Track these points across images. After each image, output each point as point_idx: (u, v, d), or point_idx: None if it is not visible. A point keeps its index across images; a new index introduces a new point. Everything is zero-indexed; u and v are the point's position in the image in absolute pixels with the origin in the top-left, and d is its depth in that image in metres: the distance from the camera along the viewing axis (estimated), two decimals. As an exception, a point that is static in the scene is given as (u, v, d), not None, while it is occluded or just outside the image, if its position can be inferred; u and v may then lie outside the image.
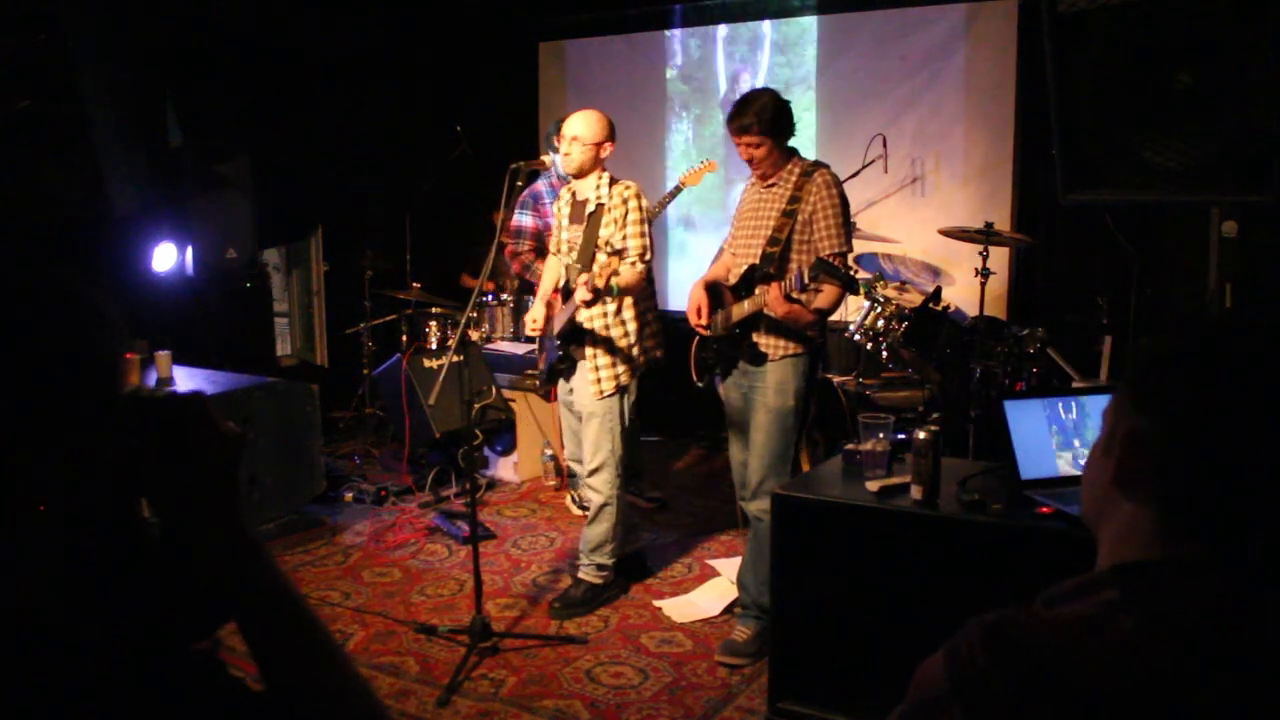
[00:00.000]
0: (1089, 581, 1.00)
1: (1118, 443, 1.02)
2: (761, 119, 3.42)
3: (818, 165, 3.55)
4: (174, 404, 0.87)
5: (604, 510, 3.87)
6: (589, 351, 3.77)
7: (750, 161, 3.52)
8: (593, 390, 3.77)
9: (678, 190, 4.95)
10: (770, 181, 3.54)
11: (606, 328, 3.76)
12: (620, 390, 3.79)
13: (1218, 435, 0.96)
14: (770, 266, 3.43)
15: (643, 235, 3.73)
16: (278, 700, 0.87)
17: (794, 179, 3.50)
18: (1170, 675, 0.91)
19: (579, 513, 4.86)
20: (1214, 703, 0.91)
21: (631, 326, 3.80)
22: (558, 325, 3.86)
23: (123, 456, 0.84)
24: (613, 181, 3.79)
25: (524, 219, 4.84)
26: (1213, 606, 0.95)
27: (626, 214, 3.72)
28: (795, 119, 3.54)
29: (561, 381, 3.96)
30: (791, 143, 3.57)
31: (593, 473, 3.86)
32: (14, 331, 0.78)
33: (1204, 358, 1.00)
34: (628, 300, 3.78)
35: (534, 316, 3.98)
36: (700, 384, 3.74)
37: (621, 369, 3.78)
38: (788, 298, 3.30)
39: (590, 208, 3.79)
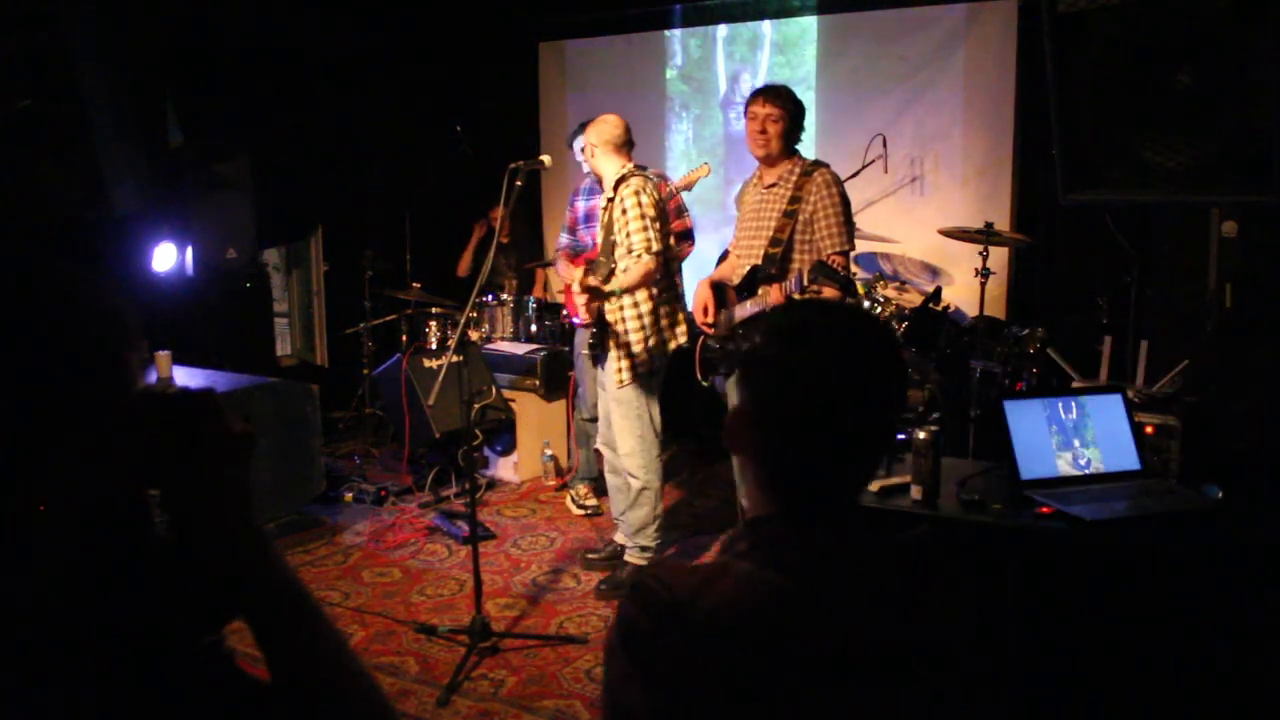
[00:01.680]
0: (735, 534, 1.20)
1: (728, 416, 1.21)
2: (789, 99, 3.54)
3: (817, 165, 3.57)
4: (186, 400, 0.87)
5: (642, 494, 4.00)
6: (611, 343, 3.95)
7: (760, 135, 3.54)
8: (615, 380, 3.94)
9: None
10: (770, 182, 3.56)
11: (623, 320, 3.91)
12: (639, 378, 3.93)
13: (784, 413, 1.16)
14: (772, 267, 3.44)
15: (645, 229, 3.81)
16: (285, 696, 0.87)
17: (794, 179, 3.52)
18: (774, 601, 1.10)
19: (578, 512, 4.88)
20: (810, 625, 1.09)
21: (648, 320, 3.93)
22: (590, 312, 4.03)
23: (134, 453, 0.84)
24: (623, 180, 3.92)
25: (568, 211, 4.94)
26: (806, 548, 1.14)
27: (626, 211, 3.83)
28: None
29: (601, 369, 4.15)
30: None
31: (627, 458, 4.01)
32: (13, 329, 0.78)
33: (772, 352, 1.18)
34: (642, 294, 3.90)
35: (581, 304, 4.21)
36: (705, 383, 3.76)
37: (640, 359, 3.92)
38: (789, 299, 3.31)
39: (602, 203, 4.04)
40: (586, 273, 3.98)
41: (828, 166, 3.58)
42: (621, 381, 3.93)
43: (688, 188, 5.16)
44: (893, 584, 1.16)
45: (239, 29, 5.50)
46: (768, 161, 3.62)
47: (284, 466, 4.46)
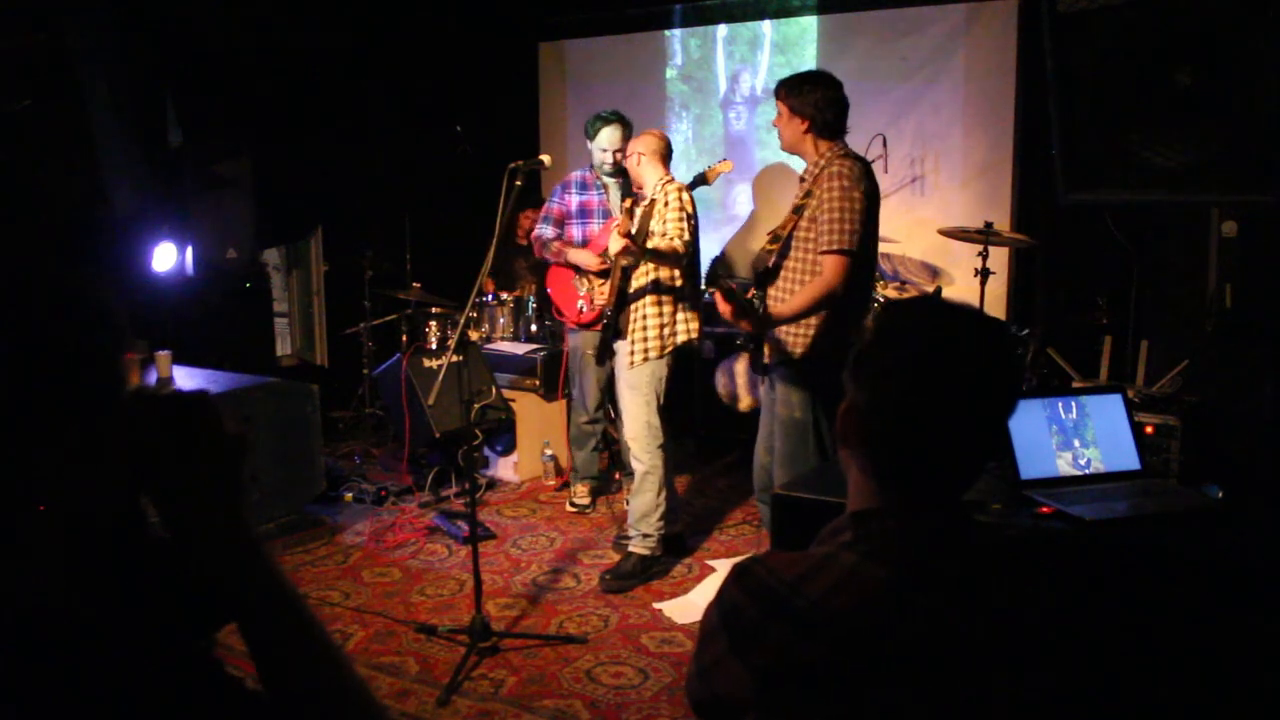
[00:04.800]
0: (838, 525, 1.21)
1: (839, 411, 1.22)
2: (792, 92, 3.35)
3: (843, 156, 3.32)
4: (179, 402, 0.87)
5: (646, 479, 4.12)
6: (630, 326, 4.10)
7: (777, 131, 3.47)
8: (627, 360, 4.10)
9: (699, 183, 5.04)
10: (801, 176, 3.44)
11: (644, 303, 4.08)
12: (650, 362, 4.07)
13: (902, 409, 1.16)
14: (768, 263, 3.37)
15: (681, 222, 4.06)
16: (277, 700, 0.87)
17: (816, 172, 3.33)
18: (880, 597, 1.11)
19: (570, 509, 4.93)
20: (914, 616, 1.11)
21: (666, 308, 4.10)
22: (612, 295, 4.20)
23: (127, 454, 0.84)
24: (669, 182, 4.18)
25: (555, 203, 4.92)
26: (914, 542, 1.16)
27: (668, 204, 4.10)
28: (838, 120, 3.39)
29: (615, 357, 4.29)
30: None
31: (632, 442, 4.15)
32: (14, 328, 0.77)
33: (892, 350, 1.19)
34: (663, 283, 4.09)
35: (602, 288, 4.37)
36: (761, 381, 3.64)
37: (653, 343, 4.08)
38: (727, 298, 3.15)
39: (645, 202, 4.23)
40: (627, 215, 4.05)
41: (853, 159, 3.32)
42: (633, 363, 4.08)
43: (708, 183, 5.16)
44: (993, 581, 1.18)
45: (238, 29, 5.50)
46: (796, 156, 3.49)
47: (284, 466, 4.46)
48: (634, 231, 4.01)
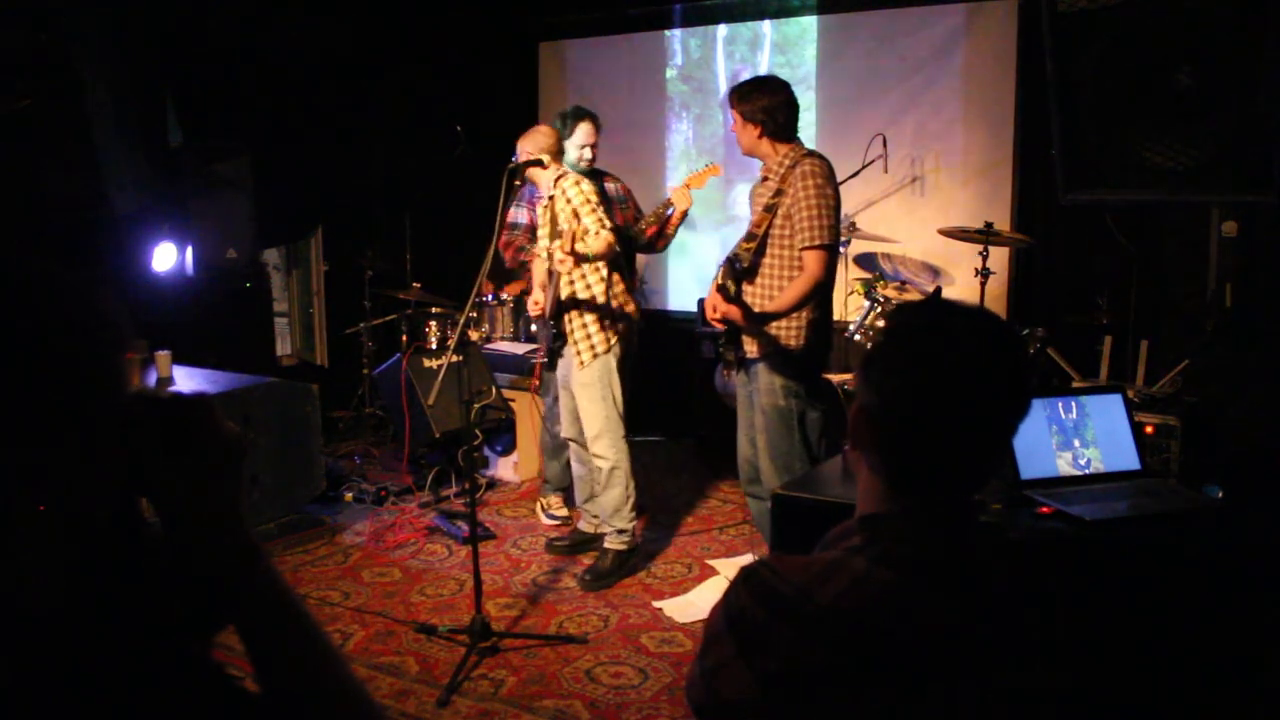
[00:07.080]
0: (846, 529, 1.21)
1: (851, 414, 1.22)
2: (742, 100, 3.48)
3: (809, 155, 3.48)
4: (178, 404, 0.87)
5: (613, 474, 4.10)
6: (570, 327, 4.08)
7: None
8: (575, 362, 4.07)
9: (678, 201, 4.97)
10: (764, 174, 3.54)
11: (580, 304, 4.07)
12: (599, 358, 4.06)
13: (911, 410, 1.16)
14: (744, 262, 3.43)
15: (594, 211, 4.03)
16: (275, 702, 0.87)
17: (783, 171, 3.45)
18: (891, 601, 1.11)
19: (547, 522, 4.80)
20: (925, 620, 1.11)
21: (601, 302, 4.08)
22: (548, 306, 4.14)
23: (126, 456, 0.84)
24: (560, 177, 4.14)
25: (519, 214, 4.91)
26: (926, 546, 1.15)
27: (570, 200, 4.04)
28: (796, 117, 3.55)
29: (561, 361, 4.24)
30: None
31: (595, 441, 4.09)
32: (13, 330, 0.77)
33: (900, 351, 1.19)
34: (593, 277, 4.08)
35: (535, 299, 4.27)
36: (729, 380, 3.76)
37: (597, 338, 4.06)
38: (724, 296, 3.27)
39: (544, 202, 4.23)
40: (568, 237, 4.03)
41: (818, 157, 3.47)
42: (582, 363, 4.06)
43: (699, 185, 5.09)
44: (1002, 584, 1.18)
45: (239, 29, 5.50)
46: (758, 158, 3.60)
47: (284, 466, 4.46)
48: (554, 239, 4.02)
